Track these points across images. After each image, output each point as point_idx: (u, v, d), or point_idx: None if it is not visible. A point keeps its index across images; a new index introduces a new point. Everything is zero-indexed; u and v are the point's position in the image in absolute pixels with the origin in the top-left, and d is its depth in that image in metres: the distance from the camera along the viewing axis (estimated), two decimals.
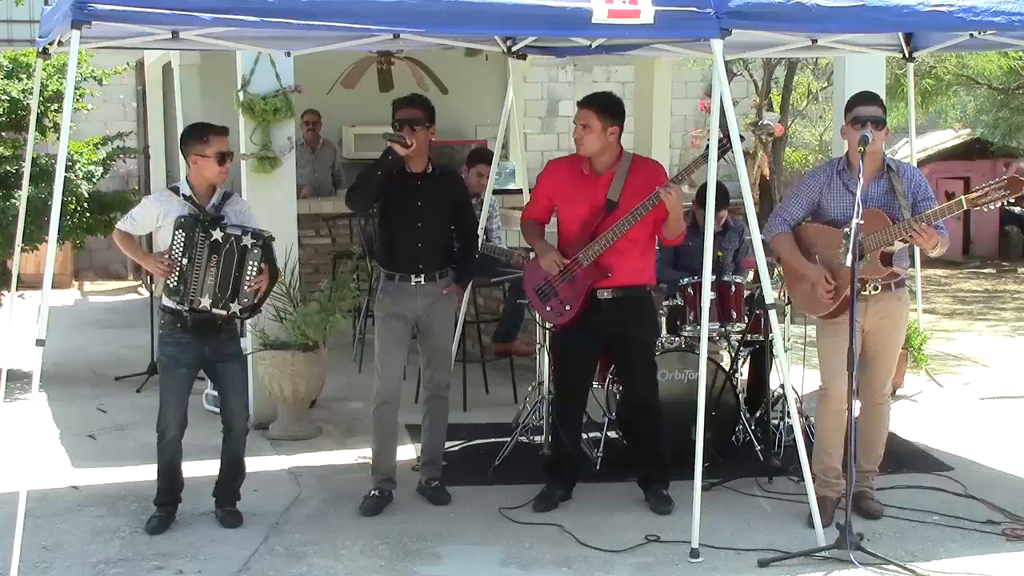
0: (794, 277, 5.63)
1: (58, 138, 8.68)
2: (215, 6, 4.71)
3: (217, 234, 5.32)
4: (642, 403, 5.83)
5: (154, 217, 5.45)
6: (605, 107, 5.64)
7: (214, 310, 5.35)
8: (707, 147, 5.52)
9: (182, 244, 5.32)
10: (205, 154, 5.39)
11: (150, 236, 5.63)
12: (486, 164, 8.14)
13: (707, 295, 5.23)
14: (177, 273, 5.31)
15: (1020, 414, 7.83)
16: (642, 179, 5.62)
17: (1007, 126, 16.47)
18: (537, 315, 6.16)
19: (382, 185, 5.68)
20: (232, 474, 5.63)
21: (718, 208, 6.66)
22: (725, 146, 5.29)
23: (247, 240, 5.35)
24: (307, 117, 11.28)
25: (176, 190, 5.47)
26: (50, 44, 5.58)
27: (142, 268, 12.93)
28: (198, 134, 5.48)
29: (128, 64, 9.61)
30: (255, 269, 5.36)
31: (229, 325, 5.52)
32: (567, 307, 5.67)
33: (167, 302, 5.43)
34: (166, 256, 5.35)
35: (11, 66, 8.68)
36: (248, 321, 7.33)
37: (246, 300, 5.38)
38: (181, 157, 5.61)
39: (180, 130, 10.61)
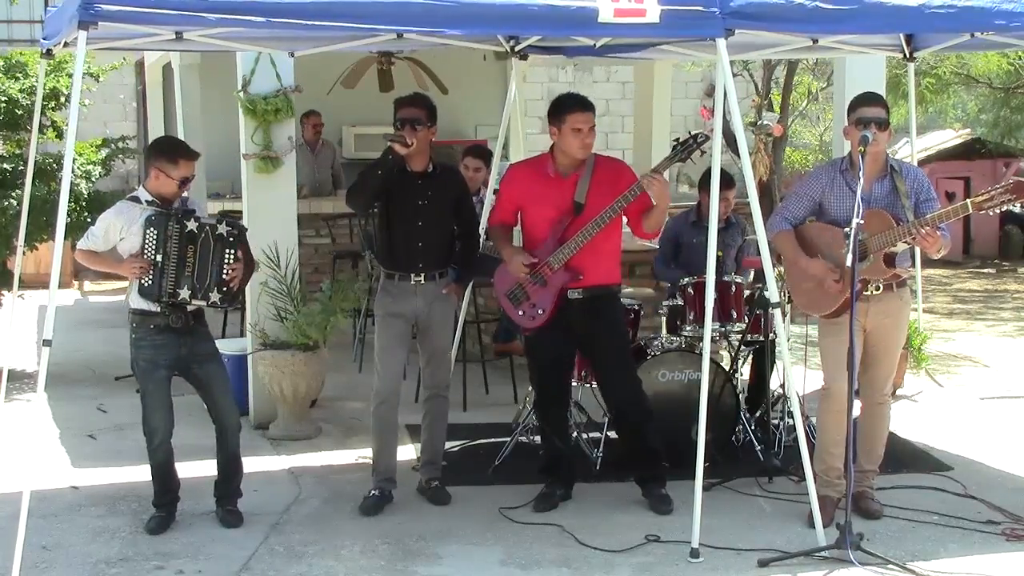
0: (796, 276, 5.63)
1: (57, 136, 8.72)
2: (221, 7, 4.71)
3: (192, 224, 5.30)
4: (626, 401, 5.82)
5: (117, 229, 5.38)
6: (593, 107, 5.66)
7: (193, 301, 5.34)
8: (672, 148, 5.55)
9: (155, 241, 5.28)
10: (170, 175, 5.35)
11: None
12: (474, 157, 8.13)
13: (710, 292, 5.23)
14: (151, 272, 5.29)
15: (1020, 414, 7.83)
16: (607, 179, 5.63)
17: (1006, 125, 16.49)
18: (510, 318, 6.14)
19: (383, 184, 5.68)
20: (230, 472, 5.63)
21: (724, 189, 6.69)
22: (689, 145, 5.34)
23: (222, 228, 5.35)
24: (311, 119, 11.26)
25: (136, 199, 5.43)
26: (55, 45, 5.58)
27: None
28: (170, 153, 5.43)
29: (124, 60, 9.60)
30: (232, 257, 5.36)
31: (202, 325, 5.51)
32: (540, 311, 5.66)
33: (138, 304, 5.40)
34: (141, 257, 5.30)
35: (6, 65, 8.66)
36: (248, 321, 7.36)
37: (225, 289, 5.37)
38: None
39: (180, 129, 10.68)
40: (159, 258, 5.28)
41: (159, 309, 5.35)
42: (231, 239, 5.36)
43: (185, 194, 5.49)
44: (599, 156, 5.78)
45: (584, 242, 5.54)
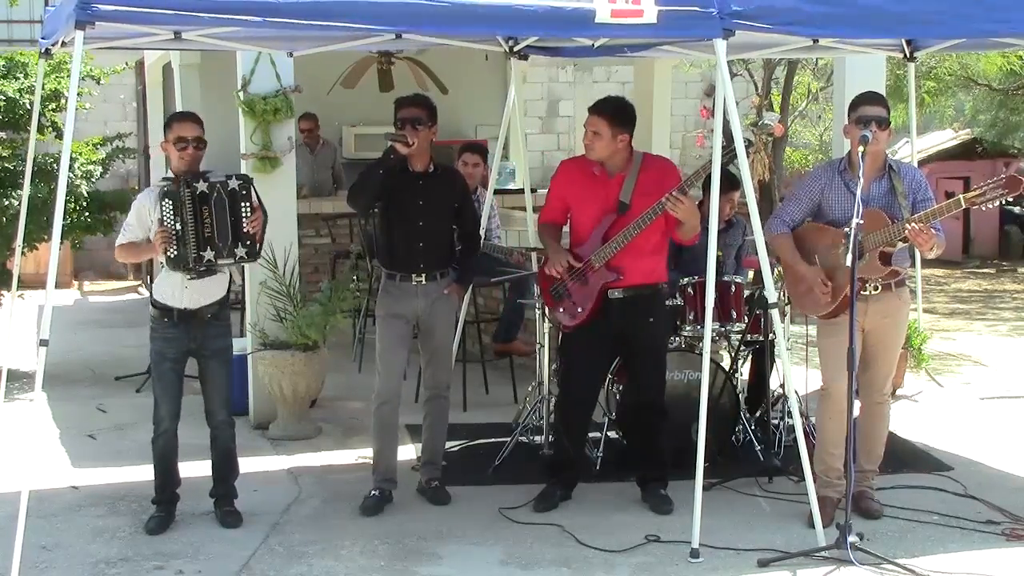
0: (793, 277, 5.64)
1: (56, 137, 8.73)
2: (218, 6, 4.71)
3: (202, 186, 5.30)
4: (649, 402, 5.82)
5: (147, 210, 5.40)
6: (615, 115, 5.64)
7: (219, 261, 5.34)
8: (712, 154, 5.54)
9: (171, 211, 5.29)
10: (168, 139, 5.40)
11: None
12: (471, 152, 8.13)
13: (711, 292, 5.23)
14: (175, 241, 5.29)
15: (1020, 414, 7.83)
16: (653, 179, 5.63)
17: (1004, 126, 16.50)
18: (550, 315, 6.15)
19: (384, 184, 5.68)
20: (225, 471, 5.63)
21: (730, 191, 6.68)
22: (732, 152, 5.31)
23: (233, 183, 5.34)
24: (303, 125, 11.13)
25: (164, 179, 5.49)
26: (53, 45, 5.59)
27: (142, 267, 13.00)
28: (168, 122, 5.52)
29: (127, 64, 9.60)
30: (248, 208, 5.35)
31: (218, 320, 5.51)
32: (579, 309, 5.66)
33: (156, 296, 5.43)
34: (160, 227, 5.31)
35: (7, 66, 8.66)
36: (248, 321, 7.36)
37: (248, 242, 5.37)
38: None
39: None
40: (178, 227, 5.28)
41: (177, 306, 5.34)
42: (244, 192, 5.35)
43: (207, 169, 5.48)
44: (647, 155, 5.80)
45: (625, 242, 5.54)
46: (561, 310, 5.74)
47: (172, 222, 5.28)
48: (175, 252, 5.29)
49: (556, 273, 5.65)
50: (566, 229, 5.90)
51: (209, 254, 5.31)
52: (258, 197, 5.45)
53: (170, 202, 5.29)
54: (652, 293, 5.75)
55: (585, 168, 5.75)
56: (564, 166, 5.97)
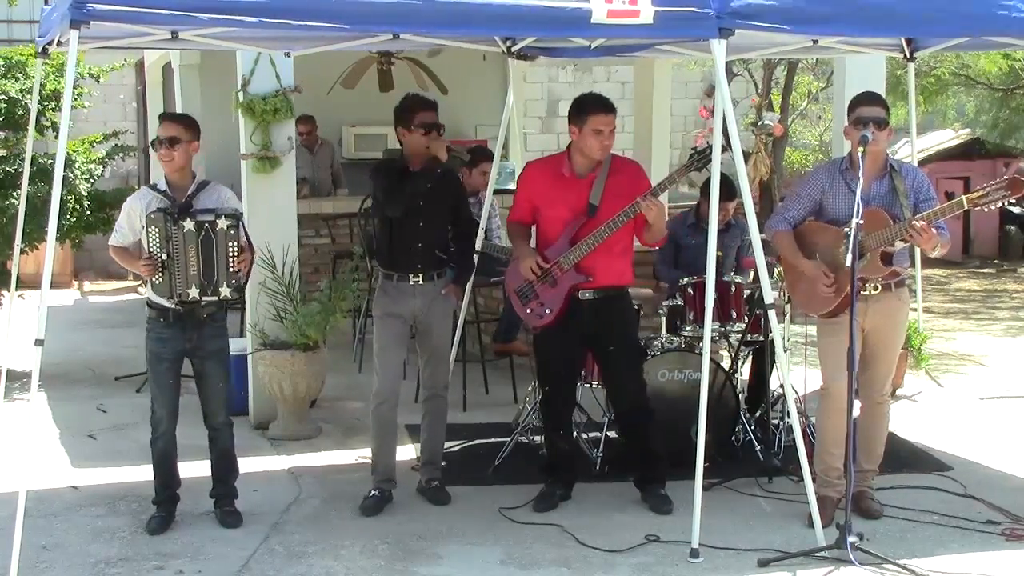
0: (794, 276, 5.64)
1: (56, 137, 8.72)
2: (213, 6, 4.71)
3: (189, 224, 5.29)
4: (634, 403, 5.82)
5: (137, 215, 5.40)
6: (614, 109, 5.64)
7: (203, 299, 5.35)
8: (690, 157, 5.56)
9: (157, 239, 5.29)
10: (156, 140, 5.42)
11: None
12: (489, 161, 8.14)
13: (710, 292, 5.23)
14: (160, 270, 5.30)
15: (1020, 414, 7.83)
16: (623, 182, 5.62)
17: (1006, 125, 16.49)
18: (520, 315, 6.15)
19: (382, 185, 5.67)
20: (224, 471, 5.63)
21: (725, 201, 6.67)
22: (707, 155, 5.33)
23: (222, 224, 5.33)
24: (301, 128, 11.06)
25: (154, 187, 5.47)
26: (49, 44, 5.59)
27: None
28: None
29: (126, 61, 9.59)
30: (236, 248, 5.35)
31: (214, 321, 5.50)
32: (547, 310, 5.66)
33: (152, 296, 5.43)
34: (148, 255, 5.31)
35: (6, 65, 8.66)
36: (248, 321, 7.37)
37: (234, 281, 5.37)
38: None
39: None
40: (164, 257, 5.29)
41: (172, 306, 5.36)
42: (232, 231, 5.35)
43: (203, 180, 5.47)
44: (615, 157, 5.77)
45: (595, 245, 5.53)
46: (528, 311, 5.74)
47: (159, 252, 5.29)
48: (160, 280, 5.32)
49: (531, 276, 5.64)
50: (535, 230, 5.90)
51: (194, 292, 5.32)
52: (247, 235, 5.44)
53: (156, 230, 5.29)
54: (620, 295, 5.76)
55: (554, 169, 5.73)
56: (531, 167, 5.93)
